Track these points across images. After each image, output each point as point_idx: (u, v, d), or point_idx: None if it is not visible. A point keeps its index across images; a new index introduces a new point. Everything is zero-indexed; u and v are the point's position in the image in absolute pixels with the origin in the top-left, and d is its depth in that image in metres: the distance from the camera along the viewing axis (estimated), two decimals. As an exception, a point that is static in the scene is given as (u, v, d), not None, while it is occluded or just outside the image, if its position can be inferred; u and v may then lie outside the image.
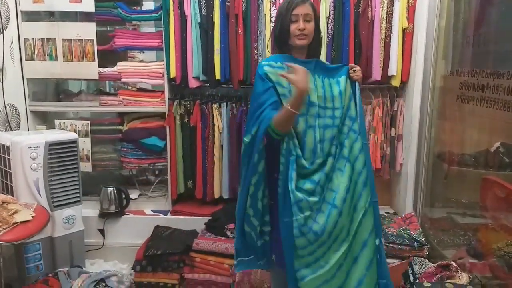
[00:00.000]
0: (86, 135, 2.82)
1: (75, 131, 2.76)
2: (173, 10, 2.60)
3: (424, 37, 2.53)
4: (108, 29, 3.06)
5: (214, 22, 2.57)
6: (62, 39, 2.69)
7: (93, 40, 2.68)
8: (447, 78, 2.49)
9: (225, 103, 2.72)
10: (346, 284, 1.69)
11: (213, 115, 2.71)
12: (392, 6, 2.55)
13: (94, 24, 2.68)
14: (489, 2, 2.12)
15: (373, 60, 2.60)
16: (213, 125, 2.72)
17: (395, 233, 2.44)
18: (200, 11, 2.57)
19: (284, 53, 1.77)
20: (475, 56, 2.19)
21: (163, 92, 2.77)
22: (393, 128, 2.76)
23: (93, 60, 2.71)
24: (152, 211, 2.88)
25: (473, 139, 2.40)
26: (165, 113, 2.77)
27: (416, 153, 2.69)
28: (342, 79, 1.80)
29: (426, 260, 2.22)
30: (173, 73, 2.67)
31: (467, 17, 2.33)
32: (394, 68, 2.60)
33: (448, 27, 2.48)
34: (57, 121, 2.83)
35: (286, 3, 1.73)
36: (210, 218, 2.68)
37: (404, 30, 2.58)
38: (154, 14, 2.72)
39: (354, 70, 1.83)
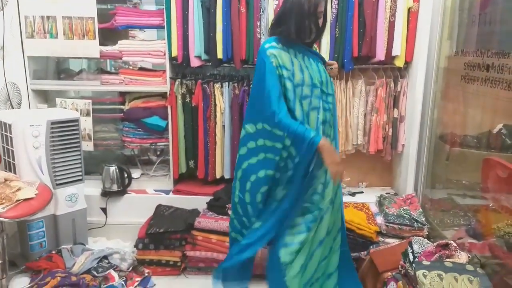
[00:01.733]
0: (87, 114, 2.81)
1: (76, 110, 2.75)
2: (175, -13, 2.56)
3: (430, 17, 2.50)
4: (109, 7, 3.02)
5: (216, 0, 2.53)
6: (62, 16, 2.66)
7: (93, 17, 2.65)
8: (452, 58, 2.46)
9: (227, 83, 2.70)
10: None
11: (215, 95, 2.70)
12: (398, -16, 2.51)
13: (95, 1, 2.64)
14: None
15: (377, 39, 2.57)
16: (215, 105, 2.71)
17: (395, 213, 2.46)
18: (203, -12, 2.53)
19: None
20: (481, 35, 2.16)
21: (164, 71, 2.75)
22: (395, 109, 2.75)
23: (94, 38, 2.69)
24: (154, 190, 2.90)
25: (476, 121, 2.39)
26: (166, 92, 2.75)
27: (418, 134, 2.68)
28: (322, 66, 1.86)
29: (426, 239, 2.24)
30: (174, 52, 2.65)
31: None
32: (398, 48, 2.58)
33: (453, 6, 2.44)
34: (58, 100, 2.82)
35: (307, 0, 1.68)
36: (212, 197, 2.70)
37: (409, 9, 2.54)
38: (156, -9, 2.68)
39: (331, 68, 1.91)
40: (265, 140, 1.74)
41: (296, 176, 1.73)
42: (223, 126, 2.74)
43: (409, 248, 2.15)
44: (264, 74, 1.68)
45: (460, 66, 2.26)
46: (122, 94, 2.93)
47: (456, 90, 2.43)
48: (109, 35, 2.84)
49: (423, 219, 2.41)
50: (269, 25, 1.88)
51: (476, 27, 2.18)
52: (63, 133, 2.37)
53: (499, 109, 2.11)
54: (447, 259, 1.93)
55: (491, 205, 2.14)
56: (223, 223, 2.47)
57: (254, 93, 1.82)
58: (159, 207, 2.73)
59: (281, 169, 1.76)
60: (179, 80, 2.72)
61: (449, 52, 2.50)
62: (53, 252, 2.31)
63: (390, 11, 2.55)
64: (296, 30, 1.70)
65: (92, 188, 2.79)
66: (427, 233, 2.39)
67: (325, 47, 2.57)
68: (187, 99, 2.73)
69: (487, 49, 1.99)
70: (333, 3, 2.53)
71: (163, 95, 2.83)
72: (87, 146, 2.83)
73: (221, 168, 2.81)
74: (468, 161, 2.43)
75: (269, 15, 2.52)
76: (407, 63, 2.67)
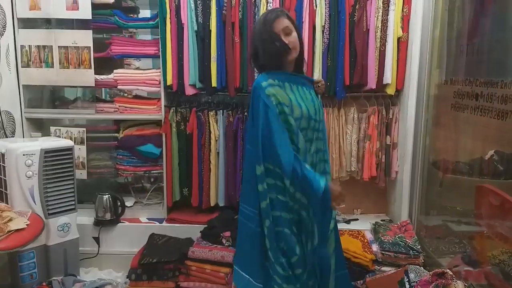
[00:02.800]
0: (81, 142, 2.81)
1: (70, 138, 2.75)
2: (170, 18, 2.61)
3: (419, 46, 2.56)
4: (105, 36, 3.07)
5: (210, 30, 2.59)
6: (58, 46, 2.70)
7: (89, 47, 2.69)
8: (442, 86, 2.51)
9: (221, 111, 2.73)
10: None
11: (209, 123, 2.71)
12: (387, 15, 2.57)
13: (91, 31, 2.68)
14: (483, 12, 2.15)
15: (368, 68, 2.62)
16: (210, 132, 2.72)
17: (390, 241, 2.44)
18: (197, 19, 2.59)
19: (272, 69, 1.77)
20: (469, 65, 2.22)
21: (159, 99, 2.77)
22: (388, 136, 2.78)
23: (90, 67, 2.71)
24: (147, 219, 2.87)
25: (467, 147, 2.42)
26: (161, 120, 2.77)
27: (411, 161, 2.70)
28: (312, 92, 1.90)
29: (422, 268, 2.23)
30: (169, 81, 2.68)
31: (461, 27, 2.36)
32: (389, 76, 2.62)
33: (442, 36, 2.51)
34: (52, 128, 2.82)
35: (261, 24, 1.73)
36: (206, 226, 2.67)
37: (399, 39, 2.61)
38: (151, 22, 2.73)
39: (319, 86, 1.93)
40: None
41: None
42: (218, 153, 2.75)
43: (405, 277, 2.14)
44: (268, 118, 1.67)
45: (450, 94, 2.31)
46: (117, 122, 2.95)
47: (447, 117, 2.47)
48: (104, 64, 2.87)
49: (419, 246, 2.40)
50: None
51: (464, 57, 2.24)
52: (56, 162, 2.35)
53: (490, 136, 2.14)
54: (444, 288, 1.92)
55: (485, 232, 2.15)
56: (217, 252, 2.44)
57: (264, 134, 1.72)
58: (152, 236, 2.70)
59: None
60: (174, 108, 2.75)
61: (438, 80, 2.55)
62: (44, 284, 2.26)
63: (381, 41, 2.61)
64: (269, 57, 1.73)
65: (84, 217, 2.76)
66: (422, 261, 2.38)
67: (317, 76, 2.61)
68: (182, 127, 2.75)
69: (475, 78, 2.04)
70: (324, 33, 2.60)
71: (157, 123, 2.84)
72: (81, 174, 2.81)
73: (215, 196, 2.80)
74: (461, 187, 2.44)
75: (262, 45, 2.57)
76: (398, 91, 2.72)
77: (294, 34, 1.75)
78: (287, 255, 1.76)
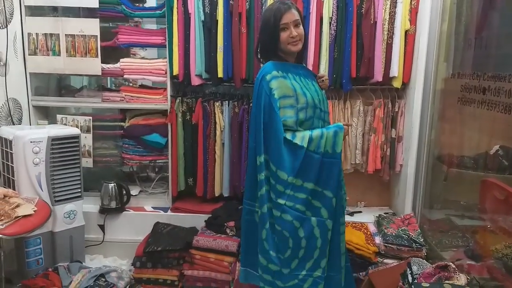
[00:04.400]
0: (88, 131, 2.82)
1: (77, 127, 2.76)
2: (177, 8, 2.61)
3: (426, 39, 2.54)
4: (110, 25, 3.06)
5: (217, 20, 2.58)
6: (65, 34, 2.70)
7: (96, 36, 2.69)
8: (448, 80, 2.50)
9: (227, 101, 2.73)
10: None
11: (215, 113, 2.72)
12: (395, 7, 2.56)
13: (98, 20, 2.68)
14: (491, 5, 2.13)
15: (375, 61, 2.61)
16: (215, 123, 2.73)
17: (394, 234, 2.45)
18: (204, 9, 2.58)
19: (276, 60, 1.81)
20: (476, 59, 2.20)
21: (165, 89, 2.78)
22: (393, 129, 2.78)
23: (96, 56, 2.72)
24: (152, 207, 2.89)
25: (473, 142, 2.41)
26: (167, 110, 2.78)
27: (416, 155, 2.70)
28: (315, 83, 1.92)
29: (425, 261, 2.24)
30: (175, 71, 2.68)
31: (469, 20, 2.34)
32: (396, 69, 2.61)
33: (450, 30, 2.49)
34: (59, 116, 2.83)
35: (272, 12, 1.75)
36: (210, 215, 2.69)
37: (406, 32, 2.59)
38: (158, 11, 2.73)
39: (323, 80, 1.93)
40: None
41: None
42: (223, 144, 2.76)
43: (408, 269, 2.15)
44: (270, 111, 1.73)
45: (456, 88, 2.29)
46: (123, 111, 2.95)
47: (453, 111, 2.46)
48: (110, 53, 2.87)
49: (422, 239, 2.41)
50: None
51: (472, 51, 2.23)
52: (63, 150, 2.38)
53: (496, 131, 2.14)
54: (446, 281, 1.93)
55: (489, 226, 2.15)
56: (221, 242, 2.46)
57: (266, 127, 1.78)
58: (157, 224, 2.72)
59: None
60: (180, 98, 2.75)
61: (445, 74, 2.54)
62: (50, 269, 2.30)
63: (388, 33, 2.60)
64: (269, 41, 1.78)
65: (90, 204, 2.78)
66: (425, 254, 2.38)
67: (323, 68, 2.61)
68: (187, 117, 2.76)
69: (483, 72, 2.03)
70: (331, 25, 2.58)
71: (163, 113, 2.85)
72: (87, 162, 2.83)
73: (220, 186, 2.81)
74: (465, 182, 2.44)
75: (269, 36, 2.56)
76: (405, 84, 2.71)
77: (301, 27, 1.79)
78: (279, 249, 1.78)
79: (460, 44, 2.39)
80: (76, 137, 2.44)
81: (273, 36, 1.76)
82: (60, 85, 3.11)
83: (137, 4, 2.91)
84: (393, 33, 2.59)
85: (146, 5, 3.07)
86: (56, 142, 2.34)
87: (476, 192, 2.24)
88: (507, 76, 1.79)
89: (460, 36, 2.40)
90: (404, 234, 2.45)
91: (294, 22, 1.75)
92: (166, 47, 2.69)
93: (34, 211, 2.05)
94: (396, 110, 2.76)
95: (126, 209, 2.83)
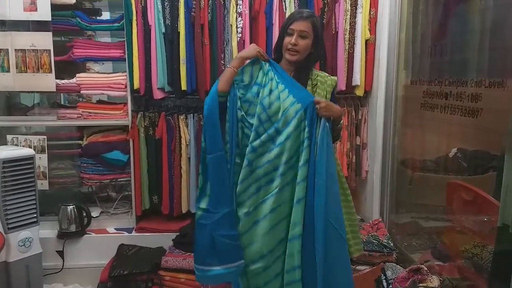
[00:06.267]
0: (42, 151, 2.64)
1: (30, 147, 2.58)
2: (136, 20, 2.52)
3: (386, 48, 2.62)
4: (63, 39, 2.91)
5: (179, 32, 2.52)
6: (15, 49, 2.52)
7: (49, 50, 2.53)
8: (409, 87, 2.59)
9: (192, 114, 2.66)
10: None
11: (179, 127, 2.64)
12: (355, 18, 2.62)
13: (50, 33, 2.53)
14: (446, 14, 2.23)
15: (337, 70, 2.65)
16: (180, 137, 2.65)
17: (364, 240, 2.47)
18: (165, 21, 2.51)
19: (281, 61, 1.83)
20: (435, 65, 2.30)
21: (126, 104, 2.67)
22: (358, 137, 2.83)
23: (50, 72, 2.56)
24: (115, 229, 2.75)
25: (433, 146, 2.50)
26: (128, 125, 2.66)
27: (381, 160, 2.75)
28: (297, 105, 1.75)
29: (398, 265, 2.27)
30: (136, 84, 2.58)
31: (426, 28, 2.44)
32: (358, 78, 2.67)
33: (408, 38, 2.59)
34: (9, 137, 2.63)
35: (290, 15, 1.80)
36: (178, 233, 2.59)
37: (366, 41, 2.66)
38: (116, 24, 2.62)
39: (318, 108, 1.72)
40: None
41: None
42: (189, 158, 2.68)
43: (382, 275, 2.17)
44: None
45: (418, 95, 2.37)
46: (80, 128, 2.79)
47: (414, 117, 2.54)
48: (64, 68, 2.71)
49: (392, 244, 2.45)
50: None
51: (430, 58, 2.32)
52: (16, 172, 2.20)
53: (454, 134, 2.23)
54: (420, 284, 1.96)
55: (457, 227, 2.21)
56: (191, 261, 2.35)
57: None
58: (121, 247, 2.59)
59: None
60: (142, 112, 2.65)
61: (406, 81, 2.62)
62: (5, 304, 2.10)
63: (349, 43, 2.65)
64: (277, 41, 1.81)
65: (47, 230, 2.60)
66: (396, 257, 2.42)
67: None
68: (150, 132, 2.66)
69: (444, 78, 2.11)
70: (294, 35, 2.60)
71: (124, 129, 2.73)
72: (42, 185, 2.64)
73: (187, 202, 2.72)
74: (429, 184, 2.52)
75: (233, 47, 2.54)
76: (367, 92, 2.77)
77: (308, 41, 1.74)
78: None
79: (418, 52, 2.49)
80: (30, 158, 2.27)
81: (280, 37, 1.80)
82: (9, 103, 2.90)
83: (93, 17, 2.79)
84: (354, 42, 2.65)
85: (103, 17, 2.95)
86: (7, 165, 2.16)
87: (440, 194, 2.31)
88: (468, 81, 1.87)
89: (418, 44, 2.50)
90: (374, 240, 2.48)
91: (301, 32, 1.72)
92: (125, 61, 2.58)
93: (-15, 241, 1.88)
94: (360, 117, 2.81)
95: (87, 232, 2.67)
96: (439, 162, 2.45)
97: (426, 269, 2.04)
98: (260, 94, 1.76)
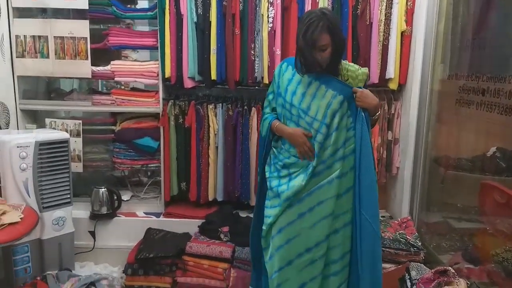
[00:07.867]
0: (77, 135, 2.75)
1: (66, 131, 2.69)
2: (169, 9, 2.55)
3: (422, 40, 2.52)
4: (101, 27, 3.00)
5: (210, 21, 2.54)
6: (54, 36, 2.63)
7: (86, 38, 2.62)
8: (445, 82, 2.47)
9: (220, 104, 2.68)
10: None
11: (208, 116, 2.67)
12: (391, 8, 2.53)
13: (87, 21, 2.62)
14: (488, 6, 2.10)
15: (370, 62, 2.58)
16: (208, 126, 2.68)
17: (391, 238, 2.41)
18: (197, 10, 2.53)
19: None
20: (474, 60, 2.18)
21: (157, 92, 2.72)
22: (389, 131, 2.74)
23: (86, 59, 2.65)
24: (144, 213, 2.83)
25: (470, 144, 2.39)
26: (159, 113, 2.72)
27: (413, 157, 2.67)
28: (340, 97, 1.77)
29: (423, 265, 2.20)
30: (168, 73, 2.63)
31: (466, 20, 2.32)
32: (392, 71, 2.58)
33: (446, 30, 2.47)
34: (47, 120, 2.76)
35: (304, 32, 1.68)
36: (204, 220, 2.64)
37: (402, 33, 2.56)
38: (150, 13, 2.67)
39: (355, 96, 1.76)
40: None
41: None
42: (216, 147, 2.71)
43: (407, 274, 2.11)
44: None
45: (454, 90, 2.27)
46: (114, 114, 2.89)
47: (450, 113, 2.43)
48: (101, 55, 2.80)
49: (419, 243, 2.37)
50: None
51: (469, 52, 2.20)
52: (51, 155, 2.30)
53: (492, 132, 2.11)
54: (446, 286, 1.89)
55: (488, 229, 2.12)
56: (215, 248, 2.40)
57: None
58: (149, 230, 2.66)
59: None
60: (172, 101, 2.70)
61: (442, 75, 2.51)
62: (38, 278, 2.22)
63: (384, 35, 2.57)
64: (300, 62, 1.78)
65: (80, 210, 2.71)
66: (423, 257, 2.34)
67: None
68: (180, 120, 2.70)
69: (482, 74, 2.00)
70: (327, 26, 2.54)
71: (155, 116, 2.79)
72: (76, 167, 2.76)
73: (214, 190, 2.75)
74: (463, 184, 2.42)
75: (263, 37, 2.52)
76: (401, 85, 2.68)
77: (329, 50, 1.71)
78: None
79: (456, 45, 2.37)
80: (65, 141, 2.36)
81: (299, 47, 1.76)
82: (49, 88, 3.03)
83: (129, 6, 2.85)
84: (389, 34, 2.56)
85: (138, 6, 3.01)
86: (44, 147, 2.26)
87: (473, 194, 2.21)
88: (506, 77, 1.76)
89: (457, 37, 2.38)
90: (402, 238, 2.41)
91: (321, 47, 1.70)
92: (158, 49, 2.63)
93: (21, 218, 1.98)
94: (393, 112, 2.72)
95: (117, 215, 2.76)
96: (475, 161, 2.34)
97: (453, 271, 1.96)
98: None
